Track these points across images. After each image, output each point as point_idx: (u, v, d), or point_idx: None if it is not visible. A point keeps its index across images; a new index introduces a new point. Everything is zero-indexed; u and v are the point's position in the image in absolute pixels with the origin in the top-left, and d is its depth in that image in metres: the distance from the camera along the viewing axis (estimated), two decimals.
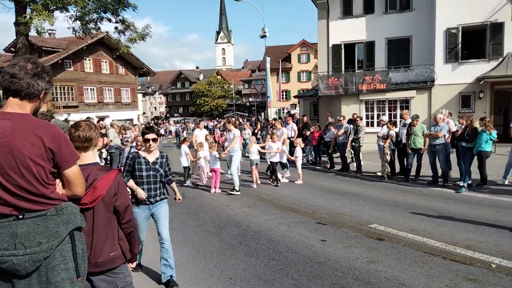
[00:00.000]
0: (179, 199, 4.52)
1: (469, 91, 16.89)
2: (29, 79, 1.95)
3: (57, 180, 2.02)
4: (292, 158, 10.67)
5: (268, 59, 23.95)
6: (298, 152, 10.67)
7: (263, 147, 10.84)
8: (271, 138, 10.58)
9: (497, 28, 16.28)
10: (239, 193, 9.10)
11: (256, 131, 18.61)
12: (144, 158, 4.09)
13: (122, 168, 6.15)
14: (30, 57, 2.04)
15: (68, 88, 30.11)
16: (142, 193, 3.98)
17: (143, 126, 28.23)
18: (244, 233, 6.06)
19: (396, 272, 4.29)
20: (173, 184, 4.51)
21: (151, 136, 4.06)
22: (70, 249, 1.98)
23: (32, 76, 1.96)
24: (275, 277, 4.31)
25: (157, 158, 4.16)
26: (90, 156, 2.43)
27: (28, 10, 13.08)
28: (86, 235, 2.28)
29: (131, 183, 4.05)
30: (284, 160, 10.46)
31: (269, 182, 10.41)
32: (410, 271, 4.30)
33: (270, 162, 10.23)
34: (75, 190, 2.06)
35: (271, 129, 14.98)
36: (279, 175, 10.45)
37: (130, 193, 4.05)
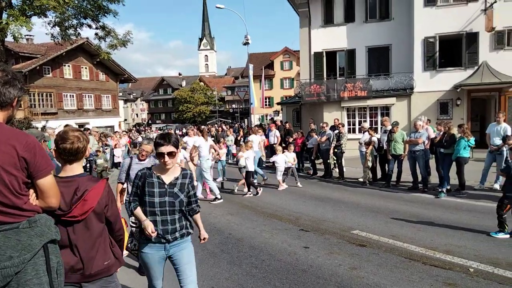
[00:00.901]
0: (203, 239, 3.34)
1: (447, 98, 17.35)
2: (0, 88, 1.89)
3: (31, 191, 1.95)
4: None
5: (251, 66, 24.04)
6: (276, 157, 10.63)
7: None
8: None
9: (472, 37, 16.83)
10: (221, 200, 9.03)
11: (239, 138, 18.52)
12: (158, 177, 2.95)
13: (120, 183, 5.25)
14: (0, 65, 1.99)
15: (47, 95, 29.45)
16: (149, 227, 2.83)
17: (124, 132, 27.37)
18: (227, 241, 6.00)
19: (377, 278, 4.31)
20: (197, 217, 3.31)
21: (166, 149, 2.90)
22: (44, 262, 1.91)
23: (3, 84, 1.91)
24: (257, 285, 4.28)
25: (177, 178, 3.01)
26: (76, 168, 2.32)
27: (5, 15, 12.75)
28: (79, 246, 2.22)
29: (138, 212, 2.95)
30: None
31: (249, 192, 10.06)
32: (391, 277, 4.34)
33: (246, 171, 9.95)
34: (49, 202, 1.99)
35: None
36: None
37: (137, 225, 3.32)
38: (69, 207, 2.16)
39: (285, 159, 10.77)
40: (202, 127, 10.30)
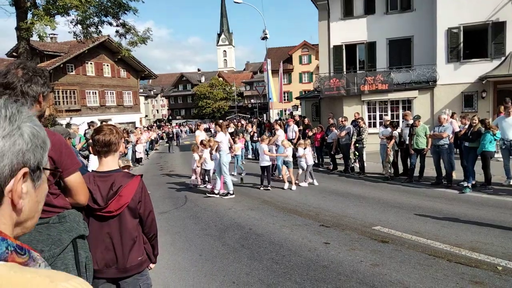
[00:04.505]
0: None
1: (471, 91, 16.80)
2: (22, 87, 1.90)
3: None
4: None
5: (268, 60, 23.94)
6: (300, 152, 10.48)
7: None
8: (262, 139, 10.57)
9: (499, 27, 16.20)
10: (233, 195, 9.06)
11: (251, 133, 17.99)
12: None
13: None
14: (20, 62, 1.98)
15: (70, 92, 30.18)
16: None
17: (145, 128, 28.06)
18: (247, 236, 6.02)
19: (400, 275, 4.24)
20: None
21: None
22: (73, 257, 1.96)
23: (25, 82, 1.92)
24: (278, 281, 4.27)
25: None
26: (111, 162, 2.38)
27: (30, 15, 13.10)
28: (114, 241, 2.28)
29: None
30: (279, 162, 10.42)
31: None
32: (415, 274, 4.25)
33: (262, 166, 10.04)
34: (77, 199, 2.04)
35: (272, 130, 14.92)
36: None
37: None
38: (105, 202, 2.21)
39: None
40: (221, 121, 10.37)
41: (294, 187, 9.80)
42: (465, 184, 8.70)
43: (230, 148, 9.83)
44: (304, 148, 10.35)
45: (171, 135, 27.70)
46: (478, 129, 8.63)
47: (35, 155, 0.69)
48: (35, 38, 13.41)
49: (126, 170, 3.82)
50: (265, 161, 9.90)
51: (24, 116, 0.69)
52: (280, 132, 12.19)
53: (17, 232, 0.70)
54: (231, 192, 9.12)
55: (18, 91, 1.89)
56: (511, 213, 6.54)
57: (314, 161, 14.30)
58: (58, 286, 0.61)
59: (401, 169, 11.03)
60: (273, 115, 27.48)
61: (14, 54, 25.55)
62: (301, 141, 11.20)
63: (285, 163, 9.98)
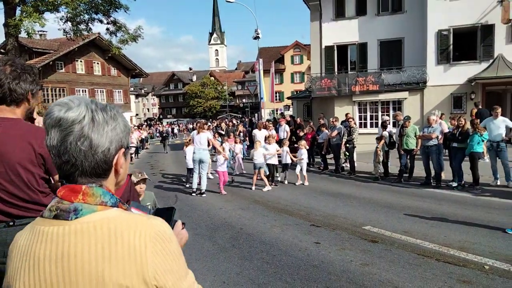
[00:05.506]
0: None
1: (460, 92, 17.04)
2: (10, 84, 1.86)
3: None
4: (295, 159, 10.58)
5: (260, 60, 23.94)
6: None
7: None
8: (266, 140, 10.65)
9: (488, 30, 16.46)
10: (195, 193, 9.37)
11: (238, 133, 17.66)
12: None
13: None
14: (8, 59, 1.94)
15: (60, 90, 29.83)
16: None
17: (135, 127, 27.65)
18: (238, 236, 6.01)
19: (390, 275, 4.27)
20: None
21: None
22: None
23: (13, 79, 1.88)
24: (268, 281, 4.27)
25: None
26: None
27: (18, 12, 12.90)
28: None
29: None
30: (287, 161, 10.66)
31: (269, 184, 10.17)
32: (404, 274, 4.29)
33: (268, 164, 10.19)
34: None
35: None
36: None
37: None
38: None
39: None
40: (203, 120, 10.66)
41: (253, 188, 9.84)
42: (454, 184, 8.83)
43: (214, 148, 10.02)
44: (281, 147, 10.66)
45: (165, 134, 27.41)
46: (466, 130, 8.76)
47: (126, 139, 1.01)
48: (23, 35, 13.22)
49: (143, 185, 3.66)
50: (271, 160, 10.11)
51: (119, 113, 0.99)
52: (255, 132, 12.38)
53: (115, 188, 1.04)
54: (187, 185, 9.78)
55: (6, 89, 1.85)
56: (498, 213, 6.64)
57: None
58: (151, 221, 0.94)
59: (391, 169, 11.10)
60: (265, 114, 27.47)
61: (2, 50, 25.09)
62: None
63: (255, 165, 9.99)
